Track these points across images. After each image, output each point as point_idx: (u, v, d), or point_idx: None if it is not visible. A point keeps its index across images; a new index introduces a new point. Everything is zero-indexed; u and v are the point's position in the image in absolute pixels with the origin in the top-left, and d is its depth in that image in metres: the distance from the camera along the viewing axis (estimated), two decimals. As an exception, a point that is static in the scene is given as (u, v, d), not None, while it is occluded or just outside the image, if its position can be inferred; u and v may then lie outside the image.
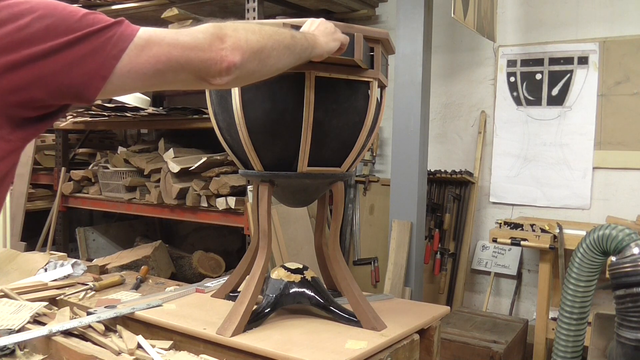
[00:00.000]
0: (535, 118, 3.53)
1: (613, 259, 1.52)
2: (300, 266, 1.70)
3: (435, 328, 1.69)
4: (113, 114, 3.78)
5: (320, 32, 1.32)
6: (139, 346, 1.50)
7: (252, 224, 2.21)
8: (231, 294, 1.81)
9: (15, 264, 2.20)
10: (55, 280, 2.05)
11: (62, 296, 1.90)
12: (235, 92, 1.46)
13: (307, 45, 1.25)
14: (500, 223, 3.17)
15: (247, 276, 1.66)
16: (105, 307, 1.71)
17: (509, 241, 2.98)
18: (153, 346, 1.50)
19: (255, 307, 1.55)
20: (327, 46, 1.31)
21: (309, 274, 1.67)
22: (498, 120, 3.65)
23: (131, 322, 1.66)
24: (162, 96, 5.19)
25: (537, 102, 3.52)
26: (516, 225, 3.08)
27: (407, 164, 2.99)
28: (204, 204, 3.31)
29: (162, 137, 3.64)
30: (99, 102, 3.87)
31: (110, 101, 3.80)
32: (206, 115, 3.22)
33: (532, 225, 3.04)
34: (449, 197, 3.67)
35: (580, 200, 3.38)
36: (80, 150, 4.39)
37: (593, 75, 3.33)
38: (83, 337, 1.57)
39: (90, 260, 3.33)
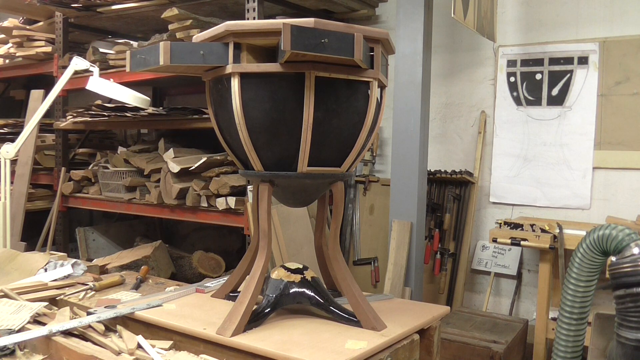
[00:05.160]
0: (535, 118, 3.53)
1: (613, 259, 1.51)
2: (300, 266, 1.70)
3: (435, 328, 1.69)
4: (113, 114, 3.78)
5: None
6: (139, 346, 1.50)
7: (252, 224, 2.21)
8: (231, 294, 1.81)
9: (15, 264, 2.20)
10: (55, 280, 2.05)
11: (62, 296, 1.90)
12: (235, 92, 1.46)
13: None
14: (500, 223, 3.17)
15: (247, 276, 1.66)
16: (105, 307, 1.71)
17: (509, 241, 2.98)
18: (153, 346, 1.50)
19: (255, 307, 1.55)
20: None
21: (309, 274, 1.67)
22: (498, 120, 3.65)
23: (131, 322, 1.66)
24: (162, 96, 5.19)
25: (537, 102, 3.52)
26: (516, 225, 3.08)
27: (407, 164, 2.99)
28: (204, 204, 3.31)
29: (162, 137, 3.64)
30: (99, 102, 3.88)
31: (110, 101, 3.80)
32: (206, 115, 3.22)
33: (532, 225, 3.04)
34: (449, 197, 3.67)
35: (580, 200, 3.38)
36: (80, 150, 4.39)
37: (593, 75, 3.33)
38: (83, 337, 1.57)
39: (90, 260, 3.34)
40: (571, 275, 1.65)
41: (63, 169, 4.16)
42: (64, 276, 2.10)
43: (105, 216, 5.00)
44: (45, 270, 2.16)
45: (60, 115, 4.25)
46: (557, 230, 2.93)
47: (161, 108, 3.84)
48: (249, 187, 3.11)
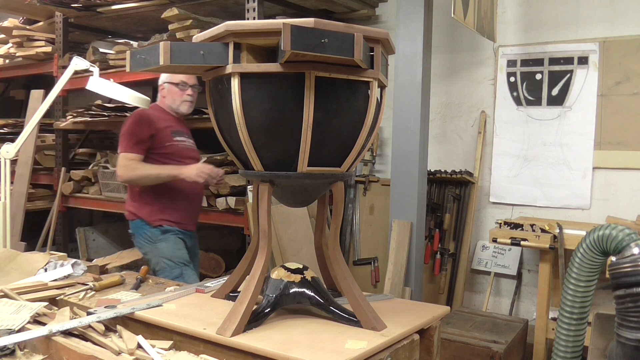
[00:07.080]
0: (535, 118, 3.53)
1: (613, 259, 1.51)
2: (300, 266, 1.70)
3: (435, 328, 1.69)
4: (113, 114, 3.79)
5: (190, 170, 2.58)
6: (139, 346, 1.50)
7: (252, 224, 2.21)
8: (231, 294, 1.81)
9: (15, 264, 2.20)
10: (55, 280, 2.05)
11: (62, 296, 1.90)
12: (236, 92, 1.46)
13: (173, 174, 2.59)
14: (500, 223, 3.17)
15: (247, 276, 1.66)
16: (105, 307, 1.71)
17: (509, 241, 2.98)
18: (153, 346, 1.50)
19: (255, 307, 1.55)
20: (190, 173, 2.57)
21: (309, 274, 1.67)
22: (498, 120, 3.65)
23: (131, 322, 1.66)
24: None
25: (537, 102, 3.52)
26: (516, 225, 3.08)
27: (407, 164, 2.99)
28: (204, 204, 3.31)
29: (162, 137, 3.63)
30: (99, 102, 3.88)
31: (110, 101, 3.80)
32: (206, 115, 3.22)
33: (532, 225, 3.04)
34: (449, 197, 3.67)
35: (580, 200, 3.38)
36: (80, 150, 4.39)
37: (593, 75, 3.33)
38: (83, 337, 1.56)
39: (90, 260, 3.34)
40: (571, 275, 1.64)
41: (63, 169, 4.16)
42: (64, 276, 2.10)
43: (105, 216, 5.00)
44: (45, 270, 2.16)
45: (60, 115, 4.25)
46: (557, 230, 2.93)
47: (161, 108, 3.83)
48: (249, 187, 3.11)
